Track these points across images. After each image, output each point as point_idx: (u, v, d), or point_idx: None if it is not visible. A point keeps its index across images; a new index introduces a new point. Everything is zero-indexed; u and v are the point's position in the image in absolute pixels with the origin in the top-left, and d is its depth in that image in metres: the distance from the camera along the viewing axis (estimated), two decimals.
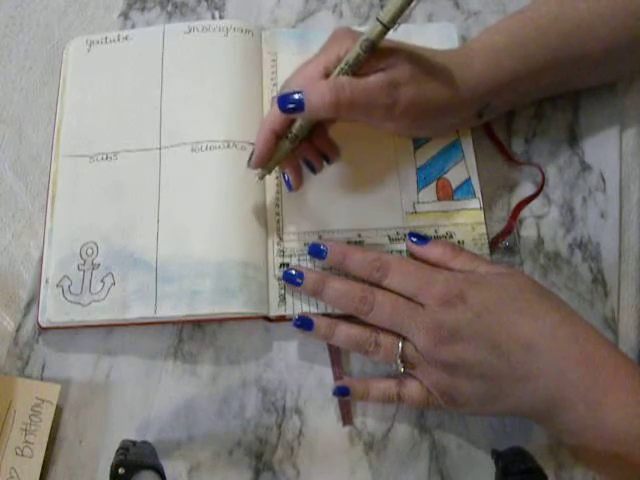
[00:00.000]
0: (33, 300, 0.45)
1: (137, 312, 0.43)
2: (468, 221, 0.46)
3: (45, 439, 0.41)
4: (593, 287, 0.45)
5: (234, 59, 0.49)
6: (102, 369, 0.43)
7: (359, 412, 0.43)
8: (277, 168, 0.43)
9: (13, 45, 0.53)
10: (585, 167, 0.48)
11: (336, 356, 0.43)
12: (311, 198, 0.46)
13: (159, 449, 0.40)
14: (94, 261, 0.44)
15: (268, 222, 0.46)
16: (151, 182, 0.46)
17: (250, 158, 0.42)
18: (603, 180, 0.48)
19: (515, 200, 0.47)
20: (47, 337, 0.44)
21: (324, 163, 0.44)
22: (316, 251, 0.43)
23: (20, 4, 0.54)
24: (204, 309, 0.42)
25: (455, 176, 0.47)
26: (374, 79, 0.39)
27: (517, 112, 0.49)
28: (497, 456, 0.39)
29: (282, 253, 0.45)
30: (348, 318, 0.41)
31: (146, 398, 0.43)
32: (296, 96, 0.38)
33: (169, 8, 0.54)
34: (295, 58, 0.49)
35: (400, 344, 0.39)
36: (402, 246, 0.45)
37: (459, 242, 0.45)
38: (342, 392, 0.41)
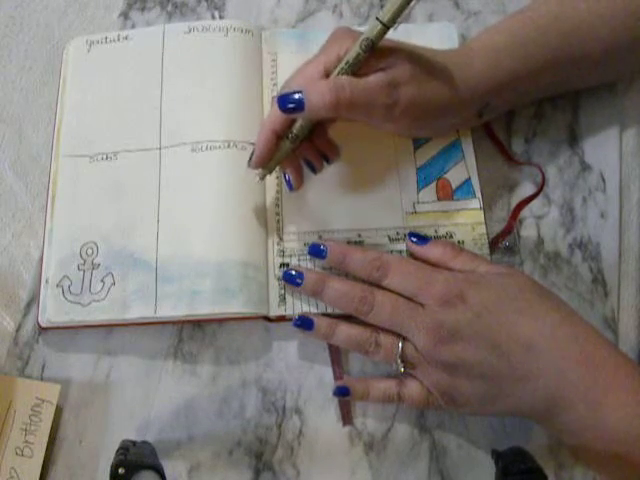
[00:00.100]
0: (33, 300, 0.45)
1: (137, 312, 0.43)
2: (468, 221, 0.46)
3: (45, 439, 0.41)
4: (593, 287, 0.45)
5: (234, 59, 0.49)
6: (102, 369, 0.43)
7: (359, 412, 0.43)
8: (277, 168, 0.43)
9: (13, 45, 0.53)
10: (585, 167, 0.48)
11: (336, 356, 0.43)
12: (311, 198, 0.46)
13: (159, 449, 0.40)
14: (94, 261, 0.44)
15: (268, 222, 0.46)
16: (151, 182, 0.46)
17: (250, 158, 0.42)
18: (603, 180, 0.48)
19: (515, 200, 0.47)
20: (47, 337, 0.44)
21: (324, 163, 0.44)
22: (316, 251, 0.43)
23: (20, 4, 0.54)
24: (204, 309, 0.42)
25: (455, 176, 0.47)
26: (374, 79, 0.39)
27: (517, 112, 0.49)
28: (497, 456, 0.39)
29: (282, 253, 0.45)
30: (348, 318, 0.41)
31: (146, 398, 0.43)
32: (296, 96, 0.38)
33: (169, 8, 0.54)
34: (295, 58, 0.49)
35: (400, 344, 0.39)
36: (402, 246, 0.45)
37: (459, 242, 0.45)
38: (342, 392, 0.41)
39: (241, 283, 0.42)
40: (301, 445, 0.42)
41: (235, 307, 0.42)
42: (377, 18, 0.37)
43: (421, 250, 0.43)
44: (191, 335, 0.44)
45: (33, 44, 0.53)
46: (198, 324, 0.44)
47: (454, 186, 0.47)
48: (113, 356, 0.44)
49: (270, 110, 0.41)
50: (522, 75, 0.43)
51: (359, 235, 0.45)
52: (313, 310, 0.43)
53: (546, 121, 0.49)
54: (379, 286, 0.41)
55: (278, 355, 0.44)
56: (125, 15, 0.54)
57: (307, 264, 0.44)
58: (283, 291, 0.44)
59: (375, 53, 0.39)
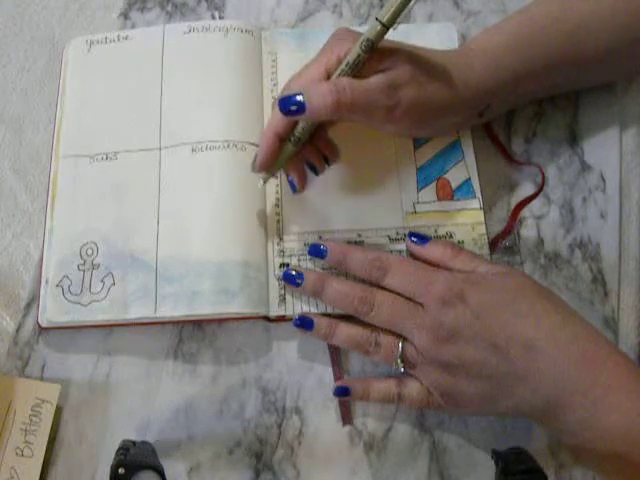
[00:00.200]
0: (33, 300, 0.45)
1: (137, 312, 0.43)
2: (468, 221, 0.46)
3: (45, 439, 0.41)
4: (593, 287, 0.45)
5: (234, 59, 0.49)
6: (102, 369, 0.43)
7: (359, 412, 0.43)
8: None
9: (13, 45, 0.53)
10: (585, 167, 0.48)
11: (336, 356, 0.43)
12: (311, 198, 0.46)
13: (159, 449, 0.40)
14: (94, 261, 0.44)
15: (268, 222, 0.46)
16: (151, 182, 0.46)
17: (254, 162, 0.42)
18: (603, 180, 0.48)
19: (515, 200, 0.47)
20: (47, 337, 0.44)
21: (325, 165, 0.44)
22: (316, 251, 0.43)
23: (20, 4, 0.54)
24: (204, 309, 0.42)
25: (455, 176, 0.47)
26: (375, 80, 0.39)
27: (517, 112, 0.49)
28: (497, 456, 0.39)
29: (282, 253, 0.45)
30: (348, 318, 0.41)
31: (146, 398, 0.43)
32: (297, 98, 0.38)
33: (169, 8, 0.54)
34: (295, 58, 0.49)
35: (400, 344, 0.39)
36: (402, 246, 0.45)
37: (459, 242, 0.45)
38: (342, 392, 0.41)
39: (241, 283, 0.42)
40: (301, 445, 0.42)
41: (235, 307, 0.42)
42: (377, 18, 0.37)
43: (421, 250, 0.43)
44: (191, 335, 0.44)
45: (33, 44, 0.53)
46: (198, 324, 0.44)
47: (454, 186, 0.47)
48: (113, 356, 0.44)
49: (272, 113, 0.41)
50: (522, 75, 0.43)
51: (359, 235, 0.45)
52: (313, 310, 0.43)
53: (546, 121, 0.49)
54: (379, 286, 0.41)
55: (278, 355, 0.44)
56: (125, 15, 0.54)
57: (307, 264, 0.44)
58: (283, 291, 0.44)
59: (375, 54, 0.39)
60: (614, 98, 0.50)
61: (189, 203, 0.45)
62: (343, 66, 0.39)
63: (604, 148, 0.48)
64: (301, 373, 0.43)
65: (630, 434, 0.34)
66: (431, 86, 0.41)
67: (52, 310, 0.43)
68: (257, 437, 0.42)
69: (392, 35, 0.38)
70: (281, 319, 0.44)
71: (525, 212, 0.47)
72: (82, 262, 0.44)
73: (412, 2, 0.37)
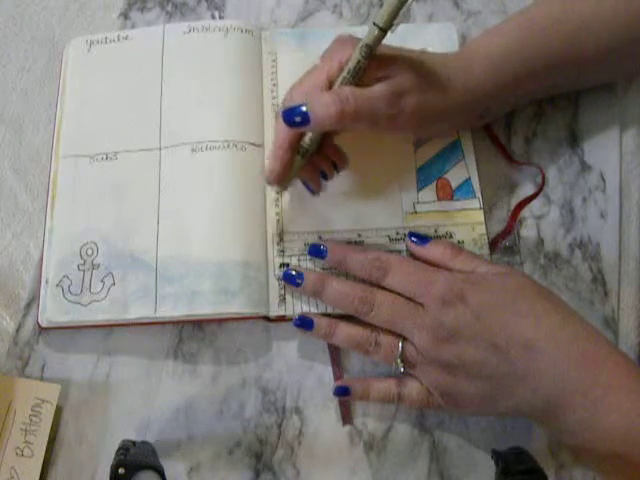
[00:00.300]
0: (33, 300, 0.45)
1: (137, 312, 0.43)
2: (468, 221, 0.46)
3: (45, 439, 0.41)
4: (593, 287, 0.45)
5: (234, 59, 0.49)
6: (102, 369, 0.43)
7: (359, 412, 0.43)
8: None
9: (13, 45, 0.53)
10: (585, 167, 0.48)
11: (336, 356, 0.43)
12: (311, 198, 0.46)
13: (159, 449, 0.40)
14: (94, 261, 0.44)
15: (268, 222, 0.46)
16: (151, 182, 0.46)
17: (267, 175, 0.43)
18: (603, 180, 0.48)
19: (515, 200, 0.47)
20: (47, 337, 0.44)
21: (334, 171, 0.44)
22: (316, 251, 0.43)
23: (20, 4, 0.54)
24: (204, 309, 0.42)
25: (455, 176, 0.47)
26: (377, 89, 0.39)
27: (517, 112, 0.49)
28: (497, 456, 0.39)
29: (282, 253, 0.45)
30: (348, 318, 0.41)
31: (146, 398, 0.43)
32: (301, 109, 0.38)
33: (169, 8, 0.54)
34: (295, 58, 0.50)
35: (400, 344, 0.39)
36: (402, 246, 0.45)
37: (459, 242, 0.45)
38: (342, 392, 0.41)
39: (241, 283, 0.42)
40: (301, 445, 0.42)
41: (235, 307, 0.42)
42: (374, 22, 0.37)
43: (421, 250, 0.43)
44: (191, 335, 0.44)
45: (33, 44, 0.53)
46: (198, 324, 0.44)
47: (454, 186, 0.47)
48: (113, 356, 0.44)
49: (276, 125, 0.41)
50: (522, 77, 0.43)
51: (359, 235, 0.45)
52: (313, 310, 0.43)
53: (546, 121, 0.49)
54: (379, 286, 0.41)
55: (278, 355, 0.44)
56: (125, 15, 0.54)
57: (307, 264, 0.44)
58: (283, 291, 0.44)
59: (376, 61, 0.39)
60: (614, 98, 0.50)
61: (189, 203, 0.45)
62: (345, 74, 0.39)
63: (604, 148, 0.48)
64: (301, 373, 0.43)
65: (630, 434, 0.34)
66: (432, 92, 0.41)
67: (52, 310, 0.43)
68: (257, 437, 0.42)
69: (392, 36, 0.38)
70: (281, 319, 0.44)
71: (525, 212, 0.47)
72: (82, 262, 0.44)
73: (408, 4, 0.36)
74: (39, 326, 0.43)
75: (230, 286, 0.42)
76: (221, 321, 0.44)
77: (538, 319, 0.37)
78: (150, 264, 0.43)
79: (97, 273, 0.44)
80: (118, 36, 0.51)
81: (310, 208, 0.46)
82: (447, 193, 0.47)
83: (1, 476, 0.40)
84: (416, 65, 0.40)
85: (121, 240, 0.44)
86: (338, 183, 0.46)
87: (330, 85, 0.40)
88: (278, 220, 0.46)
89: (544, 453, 0.41)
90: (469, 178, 0.47)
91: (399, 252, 0.45)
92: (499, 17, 0.52)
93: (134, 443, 0.39)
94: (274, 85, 0.49)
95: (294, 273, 0.42)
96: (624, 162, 0.48)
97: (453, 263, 0.41)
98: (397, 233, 0.45)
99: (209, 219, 0.44)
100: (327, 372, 0.43)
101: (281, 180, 0.42)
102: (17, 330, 0.44)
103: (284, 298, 0.43)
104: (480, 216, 0.46)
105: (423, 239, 0.43)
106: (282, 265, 0.44)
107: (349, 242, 0.45)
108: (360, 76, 0.39)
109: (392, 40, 0.39)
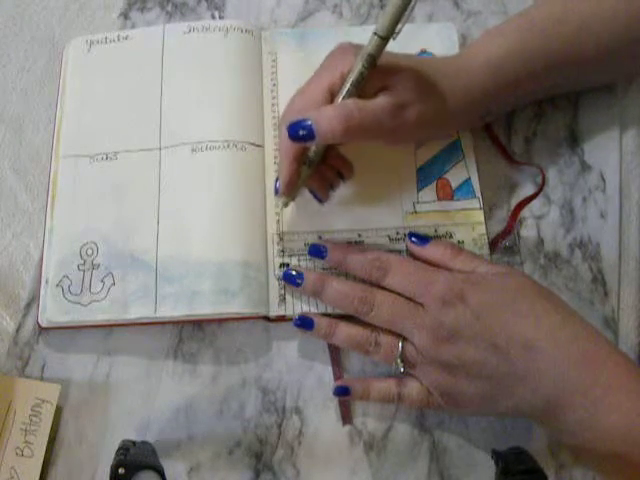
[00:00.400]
0: (33, 300, 0.45)
1: (137, 312, 0.43)
2: (468, 221, 0.46)
3: (45, 439, 0.41)
4: (593, 287, 0.45)
5: (234, 59, 0.49)
6: (102, 369, 0.43)
7: (359, 412, 0.43)
8: (277, 168, 0.43)
9: (13, 45, 0.53)
10: (585, 167, 0.48)
11: (336, 356, 0.43)
12: (311, 198, 0.46)
13: (159, 449, 0.40)
14: (94, 261, 0.44)
15: (268, 222, 0.46)
16: (151, 182, 0.46)
17: (276, 187, 0.43)
18: (603, 180, 0.48)
19: (515, 200, 0.47)
20: (47, 337, 0.44)
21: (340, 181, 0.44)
22: (316, 251, 0.43)
23: (20, 4, 0.54)
24: (204, 309, 0.42)
25: (455, 176, 0.47)
26: (381, 102, 0.39)
27: (517, 112, 0.49)
28: (497, 456, 0.39)
29: (282, 253, 0.45)
30: (348, 318, 0.41)
31: (146, 398, 0.43)
32: (306, 124, 0.38)
33: (169, 8, 0.54)
34: (295, 58, 0.50)
35: (400, 344, 0.39)
36: (402, 246, 0.45)
37: (459, 242, 0.45)
38: (342, 392, 0.41)
39: (241, 283, 0.42)
40: (301, 445, 0.42)
41: (235, 307, 0.42)
42: (374, 32, 0.37)
43: (421, 250, 0.43)
44: (191, 335, 0.44)
45: (33, 44, 0.53)
46: (198, 324, 0.44)
47: (454, 186, 0.47)
48: (113, 356, 0.44)
49: (282, 139, 0.41)
50: (523, 77, 0.43)
51: (359, 235, 0.45)
52: (313, 310, 0.43)
53: (546, 121, 0.49)
54: (379, 286, 0.41)
55: (278, 355, 0.44)
56: (125, 15, 0.54)
57: (307, 264, 0.44)
58: (283, 291, 0.44)
59: (378, 71, 0.39)
60: (614, 99, 0.50)
61: (189, 203, 0.45)
62: (348, 85, 0.39)
63: (604, 148, 0.48)
64: (301, 373, 0.43)
65: (630, 434, 0.34)
66: (433, 101, 0.41)
67: (52, 310, 0.43)
68: (257, 437, 0.42)
69: (392, 44, 0.38)
70: (281, 319, 0.44)
71: (525, 212, 0.47)
72: (82, 262, 0.44)
73: (407, 13, 0.36)
74: (39, 326, 0.43)
75: (230, 286, 0.42)
76: (221, 321, 0.44)
77: (538, 319, 0.37)
78: (150, 264, 0.43)
79: (97, 273, 0.44)
80: (118, 36, 0.51)
81: (310, 208, 0.45)
82: (447, 193, 0.47)
83: (1, 476, 0.40)
84: (418, 75, 0.40)
85: (121, 240, 0.44)
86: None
87: (332, 95, 0.40)
88: (278, 220, 0.46)
89: (544, 453, 0.41)
90: (469, 178, 0.47)
91: (399, 252, 0.45)
92: (499, 17, 0.52)
93: (134, 443, 0.39)
94: (274, 85, 0.49)
95: (294, 273, 0.42)
96: (624, 162, 0.48)
97: (453, 263, 0.41)
98: (397, 233, 0.45)
99: (209, 219, 0.44)
100: (327, 372, 0.43)
101: (289, 191, 0.42)
102: (17, 330, 0.44)
103: (284, 298, 0.43)
104: (480, 216, 0.46)
105: (423, 239, 0.43)
106: (282, 265, 0.44)
107: (349, 242, 0.45)
108: (362, 85, 0.39)
109: (393, 40, 0.39)
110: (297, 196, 0.43)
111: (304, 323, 0.41)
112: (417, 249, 0.43)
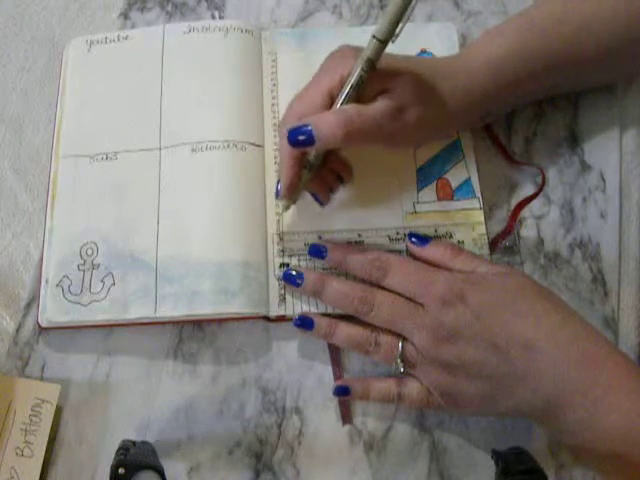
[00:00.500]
0: (33, 300, 0.45)
1: (137, 312, 0.43)
2: (468, 221, 0.46)
3: (45, 439, 0.41)
4: (593, 287, 0.45)
5: (234, 59, 0.49)
6: (102, 369, 0.43)
7: (359, 412, 0.43)
8: (277, 168, 0.43)
9: (13, 45, 0.53)
10: (585, 167, 0.48)
11: (336, 356, 0.43)
12: (311, 199, 0.46)
13: (159, 449, 0.40)
14: (94, 261, 0.44)
15: (268, 222, 0.46)
16: (151, 182, 0.46)
17: (277, 190, 0.43)
18: (603, 180, 0.48)
19: (515, 200, 0.47)
20: (47, 337, 0.44)
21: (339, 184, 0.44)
22: (316, 251, 0.43)
23: (20, 4, 0.54)
24: (204, 309, 0.42)
25: (455, 176, 0.47)
26: (380, 106, 0.39)
27: (517, 112, 0.49)
28: (497, 456, 0.39)
29: (282, 253, 0.45)
30: (348, 318, 0.41)
31: (146, 398, 0.43)
32: (306, 129, 0.38)
33: (169, 8, 0.54)
34: (295, 58, 0.50)
35: (400, 344, 0.39)
36: (402, 246, 0.45)
37: (459, 242, 0.45)
38: (342, 392, 0.41)
39: (241, 283, 0.42)
40: (301, 445, 0.42)
41: (235, 307, 0.42)
42: (373, 35, 0.37)
43: (421, 251, 0.43)
44: (191, 335, 0.44)
45: (33, 44, 0.53)
46: (198, 324, 0.44)
47: (454, 186, 0.47)
48: (113, 356, 0.44)
49: (281, 144, 0.41)
50: (523, 77, 0.43)
51: (359, 235, 0.45)
52: (313, 310, 0.43)
53: (546, 121, 0.49)
54: (379, 286, 0.41)
55: (278, 355, 0.44)
56: (125, 15, 0.54)
57: (307, 264, 0.44)
58: (283, 291, 0.44)
59: (377, 74, 0.39)
60: (614, 99, 0.50)
61: (189, 203, 0.45)
62: (348, 90, 0.39)
63: (604, 148, 0.48)
64: (301, 373, 0.43)
65: (630, 434, 0.34)
66: (433, 103, 0.41)
67: (52, 310, 0.43)
68: (257, 437, 0.42)
69: (391, 45, 0.38)
70: (281, 319, 0.44)
71: (525, 212, 0.47)
72: (82, 262, 0.44)
73: (406, 16, 0.36)
74: (39, 326, 0.43)
75: (230, 286, 0.42)
76: (221, 321, 0.44)
77: (538, 319, 0.37)
78: (150, 264, 0.43)
79: (97, 273, 0.44)
80: (118, 36, 0.51)
81: (310, 208, 0.46)
82: (447, 193, 0.47)
83: (1, 476, 0.40)
84: (416, 78, 0.40)
85: (121, 240, 0.44)
86: None
87: (331, 99, 0.40)
88: (278, 220, 0.46)
89: (544, 453, 0.41)
90: (469, 178, 0.47)
91: (399, 252, 0.45)
92: (499, 17, 0.52)
93: (134, 443, 0.39)
94: (274, 85, 0.49)
95: (294, 273, 0.42)
96: (624, 162, 0.48)
97: (453, 263, 0.41)
98: (397, 233, 0.45)
99: (209, 219, 0.44)
100: (327, 372, 0.43)
101: (291, 194, 0.42)
102: (17, 330, 0.44)
103: (284, 298, 0.43)
104: (480, 216, 0.46)
105: (423, 240, 0.43)
106: (282, 265, 0.44)
107: (349, 242, 0.45)
108: (362, 89, 0.39)
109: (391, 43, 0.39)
110: (298, 199, 0.43)
111: (304, 323, 0.41)
112: (417, 249, 0.43)
